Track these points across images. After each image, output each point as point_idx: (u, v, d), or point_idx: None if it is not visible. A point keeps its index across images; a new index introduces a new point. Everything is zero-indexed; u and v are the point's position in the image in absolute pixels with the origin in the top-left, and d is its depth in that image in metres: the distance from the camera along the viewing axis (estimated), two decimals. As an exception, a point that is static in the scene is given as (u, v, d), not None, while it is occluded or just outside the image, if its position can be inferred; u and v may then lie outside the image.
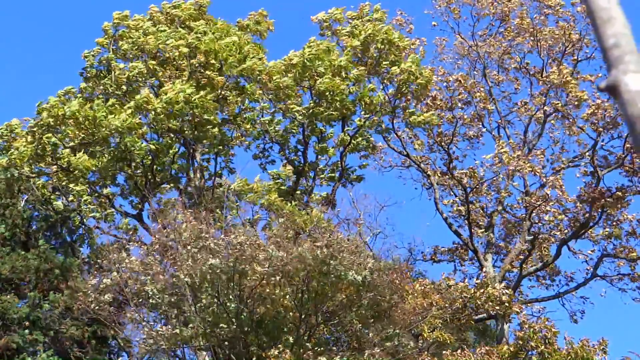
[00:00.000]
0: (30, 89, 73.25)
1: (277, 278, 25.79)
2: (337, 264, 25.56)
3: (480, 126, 39.45)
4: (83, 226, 34.45)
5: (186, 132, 32.48)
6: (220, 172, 35.62)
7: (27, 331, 28.95)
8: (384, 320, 26.72)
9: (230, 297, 26.19)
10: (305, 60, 32.01)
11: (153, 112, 31.22)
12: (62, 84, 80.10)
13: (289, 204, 31.97)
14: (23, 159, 31.45)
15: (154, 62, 32.83)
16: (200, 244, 26.27)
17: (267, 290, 25.92)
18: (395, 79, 33.36)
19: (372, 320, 26.65)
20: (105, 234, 34.92)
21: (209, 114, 31.76)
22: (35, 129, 31.73)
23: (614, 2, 3.14)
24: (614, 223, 37.47)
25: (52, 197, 33.94)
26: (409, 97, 34.42)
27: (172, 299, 26.76)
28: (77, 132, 30.84)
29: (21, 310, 28.93)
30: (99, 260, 30.54)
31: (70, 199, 33.80)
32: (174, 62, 32.79)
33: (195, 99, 30.90)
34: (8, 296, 29.19)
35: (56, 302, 29.42)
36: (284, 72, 32.16)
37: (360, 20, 34.29)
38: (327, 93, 31.92)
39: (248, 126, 34.85)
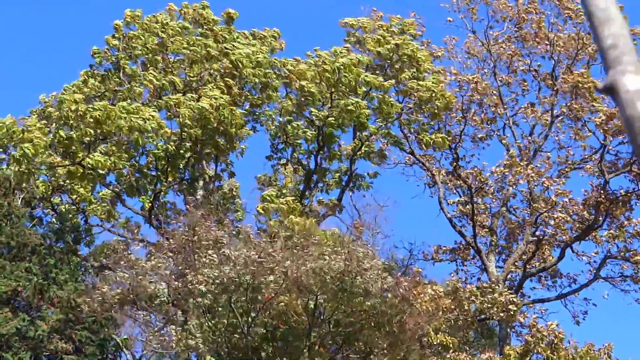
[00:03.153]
0: (31, 82, 73.49)
1: (292, 294, 25.82)
2: (351, 286, 25.60)
3: (490, 129, 39.46)
4: (85, 224, 34.44)
5: (218, 141, 32.54)
6: (220, 175, 35.66)
7: (14, 350, 28.55)
8: (394, 334, 26.75)
9: (245, 307, 26.17)
10: (336, 68, 32.22)
11: (181, 117, 31.29)
12: (64, 77, 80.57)
13: (307, 220, 31.92)
14: (37, 151, 31.24)
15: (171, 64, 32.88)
16: (218, 252, 26.25)
17: (282, 300, 25.96)
18: (416, 94, 33.54)
19: (381, 336, 26.70)
20: (107, 230, 35.00)
21: (235, 127, 31.88)
22: (46, 121, 31.63)
23: (611, 3, 3.16)
24: (619, 226, 37.39)
25: (52, 197, 33.87)
26: (426, 114, 34.66)
27: (187, 305, 26.74)
28: (94, 130, 30.71)
29: (9, 328, 28.48)
30: (103, 259, 30.53)
31: (74, 197, 33.74)
32: (194, 64, 32.84)
33: (225, 111, 31.01)
34: (4, 310, 28.83)
35: (48, 320, 29.11)
36: (313, 76, 32.41)
37: (388, 31, 34.56)
38: (352, 111, 32.13)
39: (247, 131, 34.83)
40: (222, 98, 31.27)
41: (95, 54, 34.69)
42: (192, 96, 32.04)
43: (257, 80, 33.12)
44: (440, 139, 35.31)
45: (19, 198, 31.76)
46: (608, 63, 3.16)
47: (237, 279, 25.41)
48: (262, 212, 31.33)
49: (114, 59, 34.48)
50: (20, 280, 29.10)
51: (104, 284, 27.89)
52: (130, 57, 34.12)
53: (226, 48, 32.69)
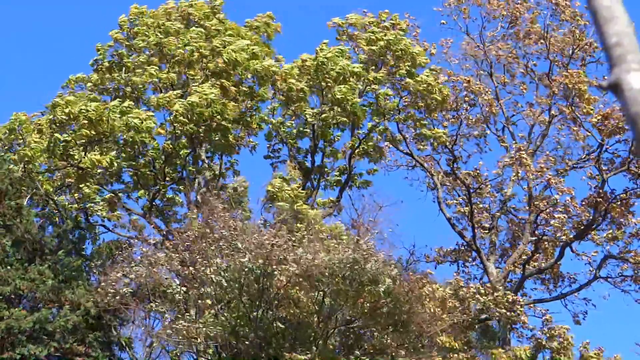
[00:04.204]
0: (38, 79, 73.51)
1: (304, 282, 25.80)
2: (361, 270, 25.57)
3: (485, 127, 39.40)
4: (88, 224, 34.45)
5: (213, 136, 32.46)
6: (225, 172, 35.64)
7: (31, 345, 28.61)
8: (402, 328, 26.74)
9: (255, 299, 26.11)
10: (318, 63, 32.00)
11: (174, 113, 31.25)
12: (71, 73, 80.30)
13: (314, 211, 31.83)
14: (35, 155, 31.35)
15: (177, 66, 32.81)
16: (231, 242, 26.22)
17: (293, 292, 25.95)
18: (413, 88, 33.36)
19: (390, 328, 26.70)
20: (109, 230, 34.98)
21: (228, 121, 31.84)
22: (44, 126, 31.75)
23: (616, 1, 3.18)
24: (618, 226, 37.38)
25: (57, 197, 33.89)
26: (421, 106, 34.47)
27: (196, 296, 26.72)
28: (89, 131, 30.71)
29: (27, 323, 28.54)
30: (108, 260, 30.53)
31: (77, 196, 33.77)
32: (192, 64, 32.81)
33: (217, 105, 30.96)
34: (16, 309, 28.87)
35: (69, 318, 29.15)
36: (298, 75, 32.22)
37: (379, 26, 34.34)
38: (341, 100, 31.89)
39: (255, 126, 34.85)
40: (213, 93, 31.18)
41: (98, 50, 34.74)
42: (180, 92, 32.08)
43: (249, 75, 32.94)
44: (442, 134, 35.28)
45: (26, 198, 31.81)
46: (612, 61, 3.18)
47: (249, 266, 25.28)
48: (273, 189, 31.26)
49: (117, 55, 34.55)
50: (35, 281, 29.18)
51: (116, 270, 27.86)
52: (136, 49, 34.16)
53: (217, 47, 32.53)
